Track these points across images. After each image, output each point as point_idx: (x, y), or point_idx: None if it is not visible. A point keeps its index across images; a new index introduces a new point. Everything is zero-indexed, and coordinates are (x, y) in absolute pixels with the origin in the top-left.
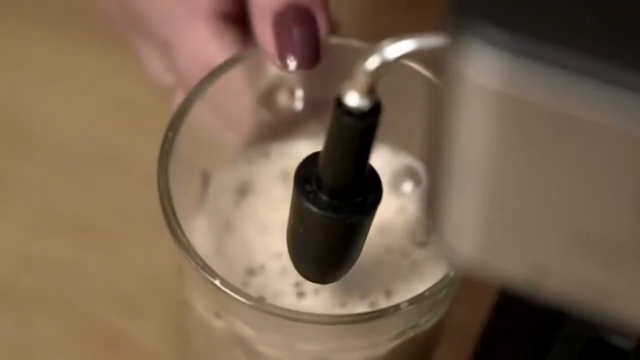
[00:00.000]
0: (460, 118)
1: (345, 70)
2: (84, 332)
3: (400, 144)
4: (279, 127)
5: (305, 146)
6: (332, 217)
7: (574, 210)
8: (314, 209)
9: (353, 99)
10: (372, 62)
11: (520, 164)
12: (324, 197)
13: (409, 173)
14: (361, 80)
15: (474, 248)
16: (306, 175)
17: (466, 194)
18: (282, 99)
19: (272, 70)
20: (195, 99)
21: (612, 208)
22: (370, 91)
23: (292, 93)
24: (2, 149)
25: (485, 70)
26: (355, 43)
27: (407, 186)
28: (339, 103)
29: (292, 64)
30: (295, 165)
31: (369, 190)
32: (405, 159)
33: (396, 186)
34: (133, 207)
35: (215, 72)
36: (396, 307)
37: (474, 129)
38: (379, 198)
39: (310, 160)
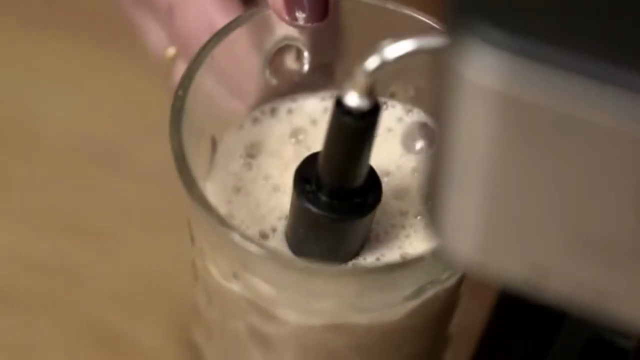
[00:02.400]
0: (460, 118)
1: (353, 27)
2: (84, 332)
3: (411, 101)
4: (286, 88)
5: (313, 103)
6: (332, 218)
7: (574, 210)
8: (314, 209)
9: (352, 99)
10: (372, 62)
11: (520, 164)
12: (324, 198)
13: (422, 130)
14: (361, 80)
15: (474, 248)
16: (306, 175)
17: (466, 194)
18: (289, 60)
19: (278, 31)
20: (202, 61)
21: (612, 208)
22: (369, 91)
23: (298, 54)
24: (2, 149)
25: (485, 71)
26: (367, 0)
27: (420, 144)
28: (339, 103)
29: (300, 17)
30: (304, 123)
31: (368, 190)
32: (417, 116)
33: (408, 145)
34: (133, 207)
35: (221, 34)
36: (420, 259)
37: (474, 129)
38: (378, 198)
39: (310, 161)
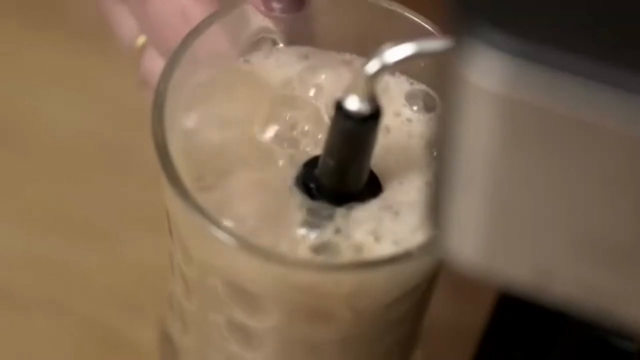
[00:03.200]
0: (463, 121)
1: (331, 18)
2: (84, 332)
3: (416, 77)
4: None
5: None
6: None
7: (579, 213)
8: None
9: (353, 103)
10: (373, 67)
11: (524, 167)
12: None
13: (425, 97)
14: (361, 84)
15: (478, 252)
16: (306, 179)
17: (470, 197)
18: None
19: (255, 23)
20: (182, 55)
21: (616, 211)
22: (370, 95)
23: (275, 45)
24: (2, 149)
25: (487, 73)
26: None
27: (421, 108)
28: (339, 107)
29: (277, 8)
30: None
31: (368, 195)
32: (420, 86)
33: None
34: (133, 207)
35: (199, 28)
36: (409, 254)
37: (477, 132)
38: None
39: (311, 164)
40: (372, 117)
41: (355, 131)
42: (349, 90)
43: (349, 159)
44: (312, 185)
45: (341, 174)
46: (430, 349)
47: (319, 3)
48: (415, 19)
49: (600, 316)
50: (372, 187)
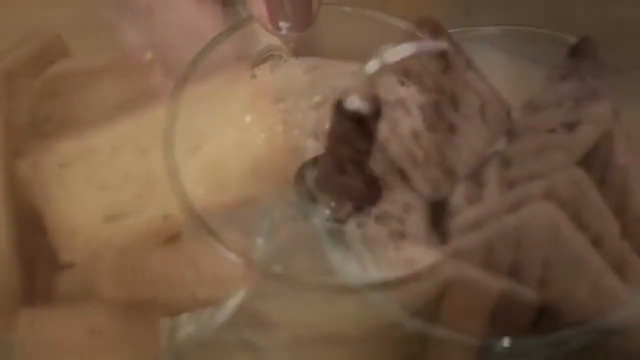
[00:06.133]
0: None
1: (335, 35)
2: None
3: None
4: None
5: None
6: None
7: None
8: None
9: (353, 102)
10: (372, 66)
11: None
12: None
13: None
14: (361, 84)
15: None
16: (306, 177)
17: None
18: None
19: (263, 41)
20: (191, 74)
21: None
22: (370, 95)
23: (282, 59)
24: None
25: None
26: (346, 9)
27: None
28: (339, 105)
29: (284, 27)
30: None
31: (368, 195)
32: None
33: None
34: None
35: (208, 47)
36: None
37: None
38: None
39: (310, 164)
40: (371, 117)
41: (354, 130)
42: (348, 90)
43: (349, 158)
44: (312, 188)
45: (341, 173)
46: None
47: (326, 21)
48: (420, 35)
49: (598, 317)
50: (372, 188)
